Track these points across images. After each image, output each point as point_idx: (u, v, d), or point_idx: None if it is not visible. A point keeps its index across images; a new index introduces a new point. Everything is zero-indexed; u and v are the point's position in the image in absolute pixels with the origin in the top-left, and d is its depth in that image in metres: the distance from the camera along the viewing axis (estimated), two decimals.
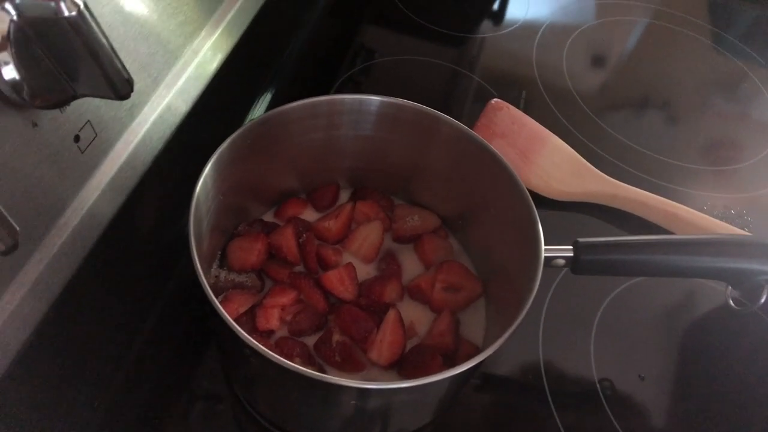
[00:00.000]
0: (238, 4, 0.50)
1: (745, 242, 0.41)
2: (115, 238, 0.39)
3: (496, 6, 0.88)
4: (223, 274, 0.48)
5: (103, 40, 0.28)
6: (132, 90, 0.30)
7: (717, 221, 0.58)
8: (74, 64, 0.29)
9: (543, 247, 0.40)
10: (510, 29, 0.81)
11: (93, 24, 0.28)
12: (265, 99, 0.63)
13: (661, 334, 0.54)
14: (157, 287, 0.49)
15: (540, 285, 0.39)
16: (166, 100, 0.41)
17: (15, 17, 0.26)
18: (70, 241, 0.34)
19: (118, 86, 0.30)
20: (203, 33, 0.45)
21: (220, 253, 0.49)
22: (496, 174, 0.45)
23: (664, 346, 0.53)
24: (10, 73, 0.28)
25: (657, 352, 0.53)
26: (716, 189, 0.65)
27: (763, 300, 0.42)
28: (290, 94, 0.44)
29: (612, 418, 0.49)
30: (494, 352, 0.36)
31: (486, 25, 0.83)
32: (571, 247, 0.42)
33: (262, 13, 0.56)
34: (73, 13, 0.27)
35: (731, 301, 0.45)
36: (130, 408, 0.45)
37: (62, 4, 0.26)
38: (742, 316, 0.53)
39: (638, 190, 0.60)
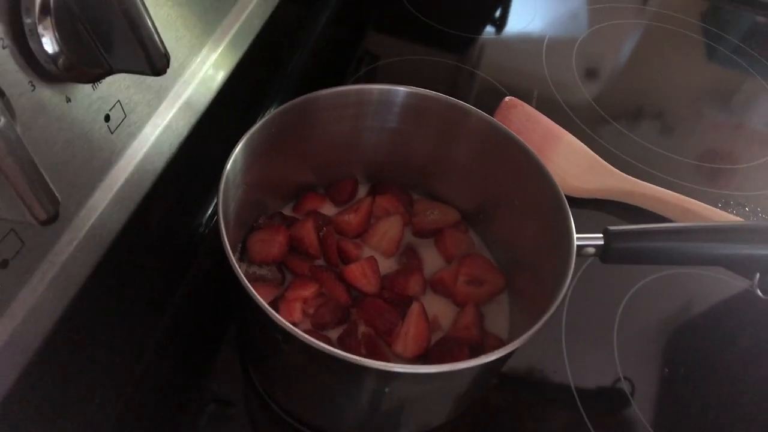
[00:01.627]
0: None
1: None
2: (139, 226, 0.38)
3: (497, 14, 0.88)
4: (243, 267, 0.47)
5: (143, 11, 0.28)
6: (168, 65, 0.30)
7: (733, 216, 0.59)
8: (112, 36, 0.28)
9: (575, 235, 0.40)
10: (516, 32, 0.82)
11: None
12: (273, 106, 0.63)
13: (684, 327, 0.53)
14: (175, 280, 0.48)
15: None
16: (191, 87, 0.41)
17: None
18: (99, 224, 0.33)
19: (155, 60, 0.29)
20: (228, 18, 0.45)
21: (240, 246, 0.48)
22: (522, 165, 0.45)
23: (687, 340, 0.53)
24: (48, 45, 0.27)
25: (681, 345, 0.52)
26: (730, 187, 0.65)
27: None
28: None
29: (638, 413, 0.48)
30: (514, 348, 0.35)
31: (490, 29, 0.84)
32: (601, 235, 0.41)
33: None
34: None
35: (759, 291, 0.44)
36: (142, 410, 0.44)
37: None
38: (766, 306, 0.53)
39: (654, 186, 0.60)
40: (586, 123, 0.69)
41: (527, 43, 0.80)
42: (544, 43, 0.80)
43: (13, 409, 0.30)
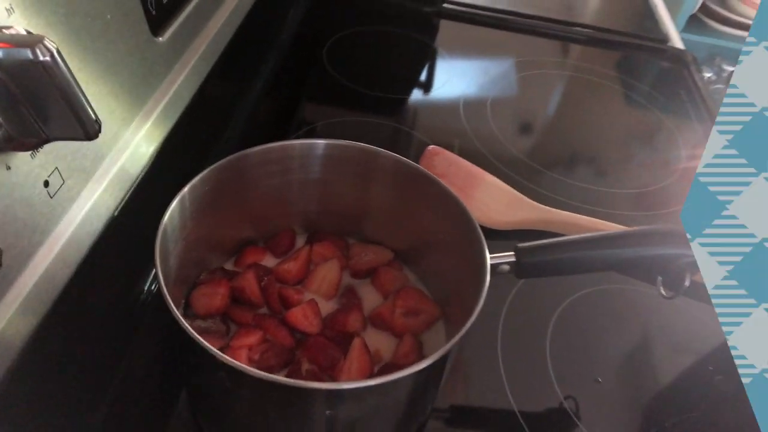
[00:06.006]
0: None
1: (666, 231, 0.46)
2: (81, 286, 0.40)
3: (423, 77, 0.96)
4: (187, 321, 0.48)
5: (74, 83, 0.31)
6: (100, 130, 0.33)
7: None
8: (47, 107, 0.31)
9: (488, 255, 0.44)
10: (438, 93, 0.89)
11: (64, 68, 0.31)
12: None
13: (609, 337, 0.58)
14: (122, 342, 0.49)
15: (493, 306, 0.41)
16: (125, 154, 0.44)
17: None
18: (42, 284, 0.35)
19: (87, 126, 0.33)
20: (158, 92, 0.49)
21: (183, 302, 0.50)
22: (439, 200, 0.49)
23: (614, 349, 0.57)
24: None
25: (609, 355, 0.56)
26: (645, 210, 0.72)
27: (687, 284, 0.47)
28: None
29: (584, 429, 0.51)
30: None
31: (417, 91, 0.90)
32: (512, 252, 0.46)
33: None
34: (47, 58, 0.30)
35: (662, 290, 0.49)
36: None
37: (38, 50, 0.29)
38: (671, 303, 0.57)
39: (569, 213, 0.66)
40: (512, 170, 0.75)
41: (449, 102, 0.87)
42: (461, 103, 0.86)
43: None
